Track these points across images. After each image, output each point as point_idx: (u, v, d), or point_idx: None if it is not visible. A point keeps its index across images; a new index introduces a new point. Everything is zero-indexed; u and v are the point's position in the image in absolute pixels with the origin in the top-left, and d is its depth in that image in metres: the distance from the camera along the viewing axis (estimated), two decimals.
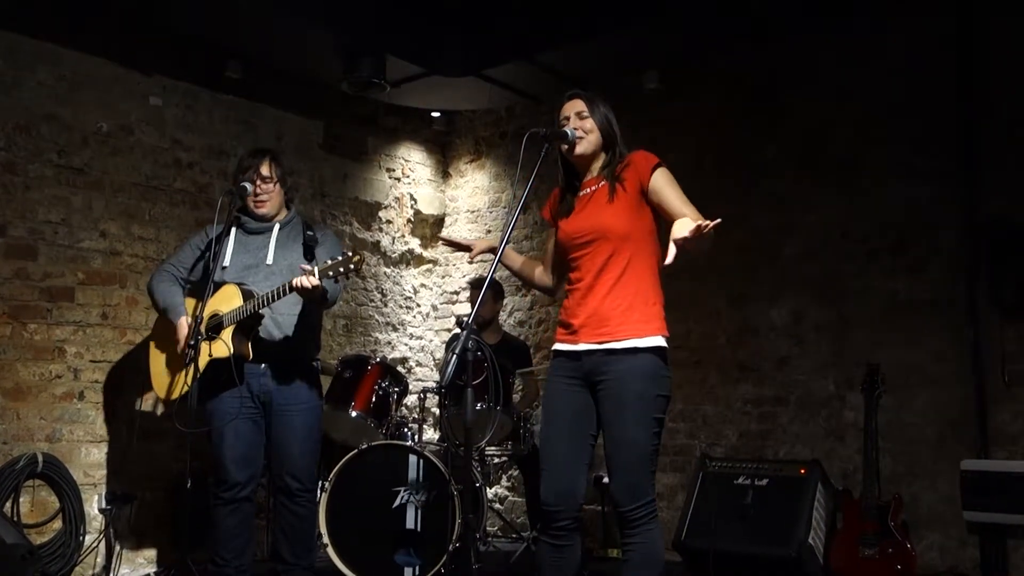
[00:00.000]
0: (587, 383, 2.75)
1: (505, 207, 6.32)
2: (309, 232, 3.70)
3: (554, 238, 2.97)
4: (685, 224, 2.47)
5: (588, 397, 2.75)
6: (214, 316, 3.52)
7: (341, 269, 3.29)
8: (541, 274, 3.10)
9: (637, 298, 2.72)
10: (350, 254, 3.29)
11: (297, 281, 3.32)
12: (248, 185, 3.63)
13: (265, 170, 3.64)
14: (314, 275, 3.30)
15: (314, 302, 3.53)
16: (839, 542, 4.05)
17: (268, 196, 3.66)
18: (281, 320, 3.57)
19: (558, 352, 2.84)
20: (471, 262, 3.02)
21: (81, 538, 4.32)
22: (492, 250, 2.94)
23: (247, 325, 3.50)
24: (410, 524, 4.09)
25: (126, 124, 4.82)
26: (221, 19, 4.73)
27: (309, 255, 3.64)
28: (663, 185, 2.74)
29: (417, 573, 4.01)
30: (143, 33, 4.83)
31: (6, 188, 4.35)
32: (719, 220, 2.43)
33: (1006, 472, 3.82)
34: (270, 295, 3.43)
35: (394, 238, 6.32)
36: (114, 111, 4.77)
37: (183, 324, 3.59)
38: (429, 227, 6.60)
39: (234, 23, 4.79)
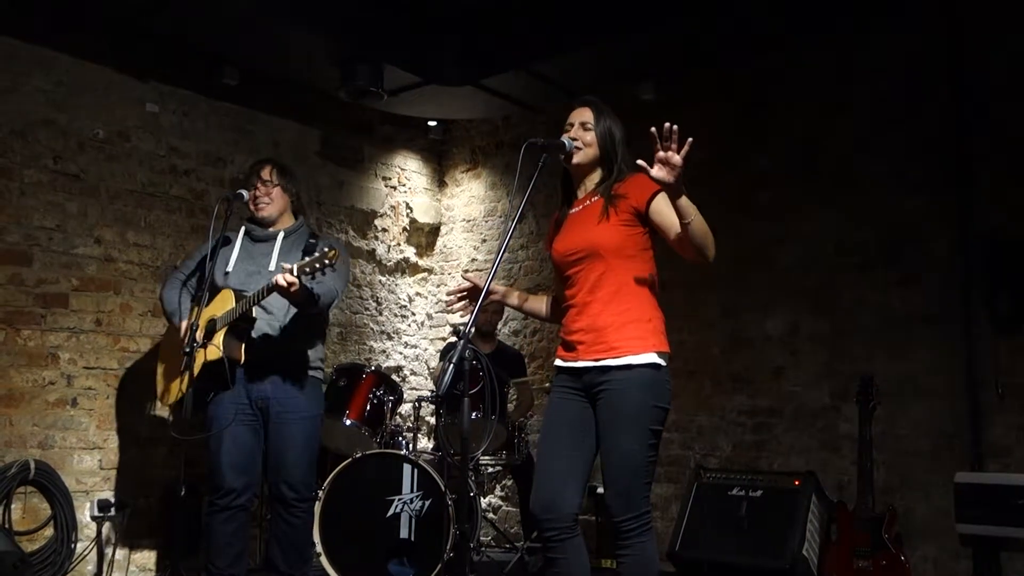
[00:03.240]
0: (587, 395, 2.74)
1: (501, 216, 6.32)
2: (311, 240, 3.71)
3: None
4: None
5: (588, 409, 2.73)
6: (211, 321, 3.53)
7: (317, 265, 3.27)
8: (552, 304, 2.99)
9: (632, 314, 2.69)
10: (326, 250, 3.28)
11: (275, 278, 3.31)
12: (244, 192, 3.69)
13: (265, 174, 3.71)
14: (293, 273, 3.28)
15: (299, 304, 3.49)
16: (833, 554, 4.05)
17: (269, 200, 3.70)
18: (278, 324, 3.57)
19: (560, 368, 2.83)
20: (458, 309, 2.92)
21: (73, 546, 4.29)
22: (487, 292, 2.83)
23: (239, 328, 3.50)
24: (404, 534, 4.08)
25: (122, 130, 4.82)
26: (218, 26, 4.72)
27: None
28: (663, 206, 2.68)
29: None
30: (140, 39, 4.83)
31: (1, 193, 4.34)
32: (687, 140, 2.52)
33: (1000, 485, 3.83)
34: (255, 295, 3.43)
35: (389, 246, 6.32)
36: (110, 117, 4.77)
37: (183, 328, 3.64)
38: (425, 236, 6.61)
39: (231, 30, 4.79)
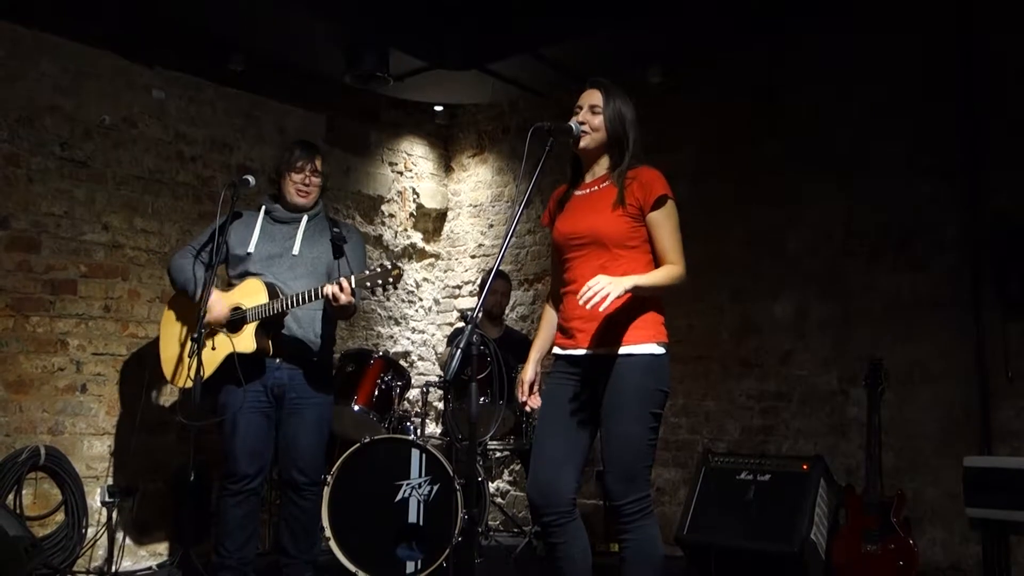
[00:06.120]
0: (585, 380, 2.74)
1: (508, 201, 6.31)
2: (336, 229, 3.71)
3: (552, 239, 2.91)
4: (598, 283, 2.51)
5: (586, 395, 2.74)
6: (236, 309, 3.53)
7: (380, 282, 3.24)
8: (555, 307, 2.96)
9: (632, 304, 2.68)
10: (389, 266, 3.24)
11: (329, 290, 3.31)
12: (251, 178, 3.68)
13: (319, 164, 3.73)
14: (349, 287, 3.29)
15: (339, 313, 3.52)
16: (841, 538, 4.05)
17: (314, 188, 3.72)
18: (301, 315, 3.58)
19: (558, 356, 2.83)
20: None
21: (83, 530, 4.32)
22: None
23: (270, 323, 3.52)
24: (412, 518, 4.10)
25: (129, 116, 4.81)
26: (224, 12, 4.70)
27: (338, 253, 3.66)
28: (660, 222, 2.71)
29: (419, 567, 4.01)
30: (146, 25, 4.82)
31: (9, 180, 4.35)
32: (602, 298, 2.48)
33: (1009, 468, 3.82)
34: (297, 298, 3.43)
35: (396, 232, 6.31)
36: (117, 103, 4.76)
37: (199, 296, 3.49)
38: (431, 221, 6.60)
39: (237, 16, 4.77)
